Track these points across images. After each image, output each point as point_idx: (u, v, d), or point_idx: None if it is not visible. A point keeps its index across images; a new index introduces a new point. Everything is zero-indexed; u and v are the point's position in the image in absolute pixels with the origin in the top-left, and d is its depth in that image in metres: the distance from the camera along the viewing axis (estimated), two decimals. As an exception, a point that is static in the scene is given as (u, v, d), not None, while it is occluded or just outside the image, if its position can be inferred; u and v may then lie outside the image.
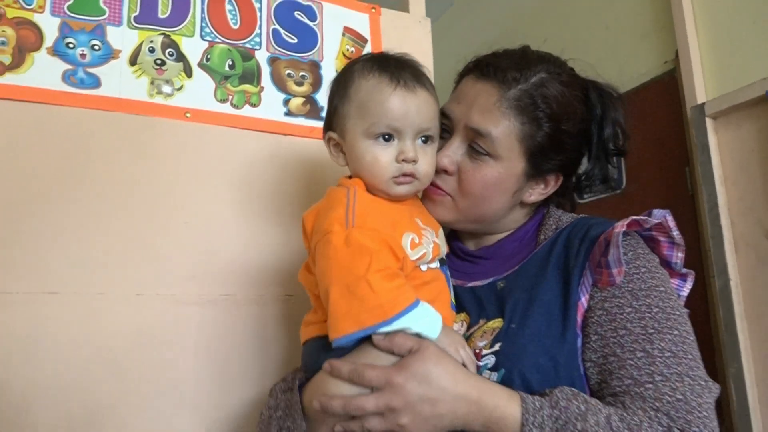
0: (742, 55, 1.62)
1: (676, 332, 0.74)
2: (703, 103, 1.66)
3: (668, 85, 1.88)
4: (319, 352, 0.75)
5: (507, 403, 0.69)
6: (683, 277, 0.84)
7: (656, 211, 0.79)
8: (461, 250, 0.92)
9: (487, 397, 0.69)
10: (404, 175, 0.77)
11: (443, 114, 0.86)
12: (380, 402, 0.68)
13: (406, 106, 0.77)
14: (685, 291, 0.84)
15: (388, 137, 0.77)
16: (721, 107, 1.61)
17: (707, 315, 1.69)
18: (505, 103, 0.81)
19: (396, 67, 0.79)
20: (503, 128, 0.81)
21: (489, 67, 0.84)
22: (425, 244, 0.78)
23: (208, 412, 1.03)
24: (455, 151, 0.84)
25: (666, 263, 0.82)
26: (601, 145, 0.87)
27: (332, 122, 0.83)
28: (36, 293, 0.95)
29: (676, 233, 0.80)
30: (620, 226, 0.76)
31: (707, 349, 1.70)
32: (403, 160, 0.77)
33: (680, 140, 1.81)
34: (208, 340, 1.05)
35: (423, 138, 0.79)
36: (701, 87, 1.69)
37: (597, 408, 0.68)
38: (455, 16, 3.17)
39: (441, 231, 0.86)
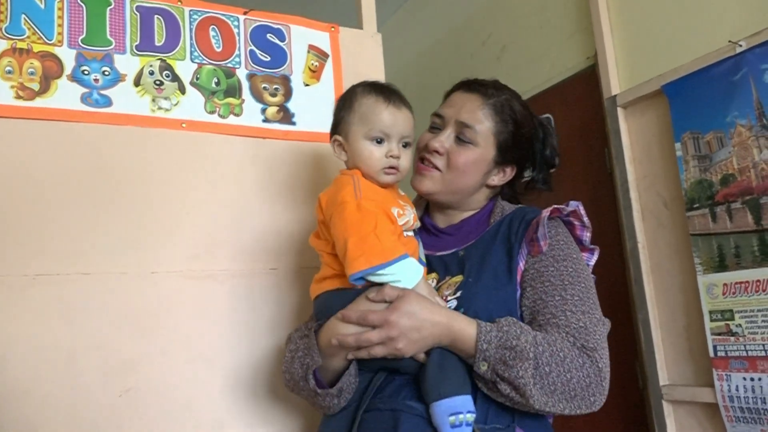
0: (648, 54, 1.92)
1: (582, 285, 1.04)
2: (616, 95, 1.95)
3: (590, 78, 2.17)
4: (331, 300, 1.03)
5: (467, 326, 0.96)
6: (591, 252, 1.14)
7: (572, 203, 1.09)
8: (433, 227, 1.20)
9: (453, 322, 0.96)
10: (390, 167, 1.06)
11: (437, 115, 1.18)
12: (382, 334, 0.95)
13: (395, 119, 1.06)
14: (593, 261, 1.14)
15: (380, 140, 1.05)
16: (629, 98, 1.90)
17: (623, 271, 2.01)
18: (486, 107, 1.14)
19: (388, 92, 1.08)
20: (484, 125, 1.14)
21: (474, 85, 1.18)
22: (407, 215, 1.07)
23: (220, 363, 1.29)
24: (446, 139, 1.14)
25: (579, 241, 1.12)
26: (543, 159, 1.21)
27: (338, 128, 1.10)
28: (72, 274, 1.20)
29: (585, 219, 1.10)
30: (546, 212, 1.06)
31: (623, 299, 2.03)
32: (390, 156, 1.05)
33: (600, 126, 2.10)
34: (209, 305, 1.31)
35: (404, 143, 1.08)
36: (615, 81, 1.98)
37: (528, 331, 0.97)
38: (407, 14, 3.41)
39: (414, 209, 1.13)
